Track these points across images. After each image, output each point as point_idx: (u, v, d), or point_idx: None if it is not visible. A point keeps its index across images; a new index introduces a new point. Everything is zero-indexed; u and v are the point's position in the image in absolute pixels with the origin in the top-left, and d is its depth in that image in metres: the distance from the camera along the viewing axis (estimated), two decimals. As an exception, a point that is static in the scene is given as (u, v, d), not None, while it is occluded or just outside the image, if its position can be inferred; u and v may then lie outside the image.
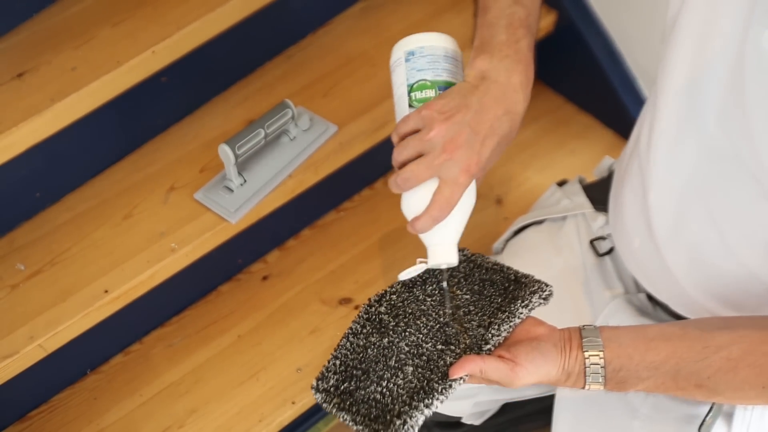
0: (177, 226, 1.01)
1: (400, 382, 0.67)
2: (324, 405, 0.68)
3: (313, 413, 1.17)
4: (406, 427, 0.64)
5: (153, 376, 1.10)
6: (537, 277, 0.73)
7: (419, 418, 0.64)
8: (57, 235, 1.01)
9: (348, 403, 0.67)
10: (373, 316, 0.72)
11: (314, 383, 0.69)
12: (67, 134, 0.96)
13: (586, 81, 1.32)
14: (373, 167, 1.27)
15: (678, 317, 0.82)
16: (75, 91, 0.92)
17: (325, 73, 1.16)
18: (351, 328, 0.72)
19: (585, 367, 0.65)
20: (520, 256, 0.91)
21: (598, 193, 0.90)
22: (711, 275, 0.72)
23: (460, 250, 0.76)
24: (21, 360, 0.91)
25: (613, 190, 0.85)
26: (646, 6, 1.19)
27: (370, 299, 0.74)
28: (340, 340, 0.71)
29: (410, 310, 0.72)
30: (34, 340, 0.91)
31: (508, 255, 0.94)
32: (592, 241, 0.88)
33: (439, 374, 0.66)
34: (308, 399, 1.07)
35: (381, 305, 0.73)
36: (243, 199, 1.01)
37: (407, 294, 0.74)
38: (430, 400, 0.65)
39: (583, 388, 0.66)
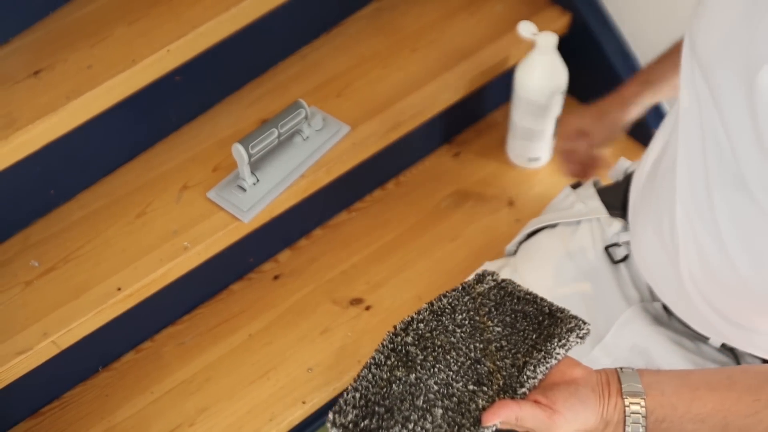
0: (190, 225, 1.01)
1: (429, 426, 0.61)
2: None
3: (324, 413, 1.17)
4: None
5: (164, 374, 1.10)
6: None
7: None
8: (71, 233, 1.02)
9: None
10: (399, 347, 0.67)
11: (331, 416, 0.64)
12: (82, 132, 0.97)
13: (600, 83, 1.31)
14: (385, 168, 1.27)
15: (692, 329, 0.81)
16: (90, 90, 0.93)
17: (338, 74, 1.16)
18: (374, 359, 0.67)
19: (625, 416, 0.60)
20: (533, 261, 0.90)
21: (613, 198, 0.89)
22: (726, 298, 0.71)
23: (490, 274, 0.73)
24: (34, 356, 0.92)
25: (632, 201, 0.84)
26: (660, 9, 1.19)
27: (395, 327, 0.69)
28: (361, 371, 0.67)
29: (439, 343, 0.67)
30: (47, 336, 0.92)
31: (521, 259, 0.93)
32: (607, 248, 0.87)
33: (471, 419, 0.62)
34: (318, 399, 1.07)
35: (408, 335, 0.68)
36: (256, 198, 1.01)
37: (436, 323, 0.69)
38: None
39: None
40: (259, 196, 1.01)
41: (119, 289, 0.96)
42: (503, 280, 0.72)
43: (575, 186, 0.98)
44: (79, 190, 1.06)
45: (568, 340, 0.64)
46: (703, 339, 0.80)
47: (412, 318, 0.69)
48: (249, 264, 1.20)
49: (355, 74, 1.16)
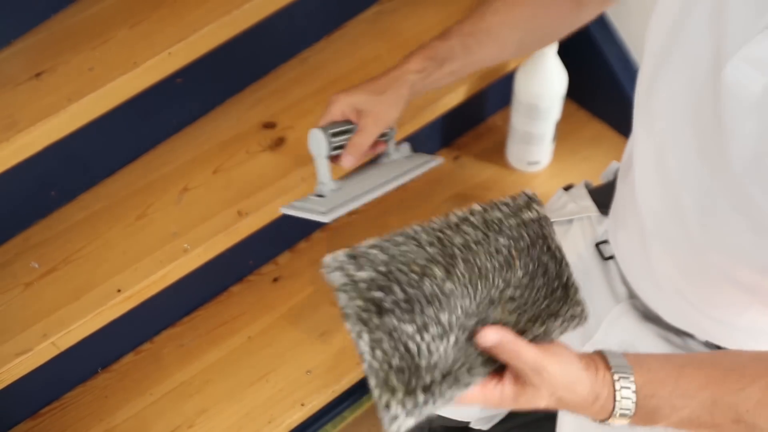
0: (190, 227, 1.01)
1: (441, 349, 0.54)
2: (340, 293, 0.53)
3: (322, 415, 1.17)
4: (426, 406, 0.52)
5: (164, 375, 1.10)
6: None
7: (440, 403, 0.54)
8: (71, 234, 1.02)
9: (373, 320, 0.52)
10: (447, 242, 0.57)
11: (342, 256, 0.53)
12: (83, 134, 0.97)
13: (600, 88, 1.32)
14: (385, 171, 1.28)
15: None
16: (92, 92, 0.93)
17: (339, 77, 1.17)
18: (415, 232, 0.56)
19: (614, 391, 0.58)
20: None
21: (604, 197, 0.90)
22: (701, 294, 0.72)
23: (536, 201, 0.65)
24: (34, 357, 0.92)
25: (614, 199, 0.85)
26: (661, 13, 1.19)
27: (448, 214, 0.59)
28: (394, 235, 0.56)
29: (479, 264, 0.59)
30: (47, 337, 0.92)
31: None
32: (597, 245, 0.88)
33: (475, 362, 0.56)
34: (317, 401, 1.07)
35: (457, 234, 0.58)
36: (337, 200, 0.84)
37: (483, 235, 0.60)
38: (458, 390, 0.54)
39: (609, 417, 0.59)
40: (341, 198, 0.84)
41: (119, 290, 0.96)
42: (544, 217, 0.65)
43: (567, 188, 0.99)
44: (80, 191, 1.07)
45: (567, 327, 0.62)
46: (690, 334, 0.81)
47: (466, 217, 0.60)
48: (249, 266, 1.20)
49: (355, 77, 1.16)
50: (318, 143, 0.79)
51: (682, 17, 0.61)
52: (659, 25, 0.66)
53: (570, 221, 0.92)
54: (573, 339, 0.84)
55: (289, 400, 1.07)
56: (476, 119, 1.35)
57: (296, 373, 1.09)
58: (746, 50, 0.55)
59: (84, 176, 1.07)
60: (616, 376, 0.58)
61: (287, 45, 1.19)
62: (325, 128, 0.80)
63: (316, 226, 1.24)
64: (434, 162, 0.93)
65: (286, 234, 1.21)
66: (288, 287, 1.18)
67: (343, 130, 0.81)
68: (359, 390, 1.18)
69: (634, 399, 0.58)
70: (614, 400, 0.58)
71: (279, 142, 1.10)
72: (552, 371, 0.57)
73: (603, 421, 0.60)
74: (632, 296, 0.85)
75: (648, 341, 0.81)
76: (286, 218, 1.08)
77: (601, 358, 0.60)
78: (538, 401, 0.60)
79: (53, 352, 0.94)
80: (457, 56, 0.85)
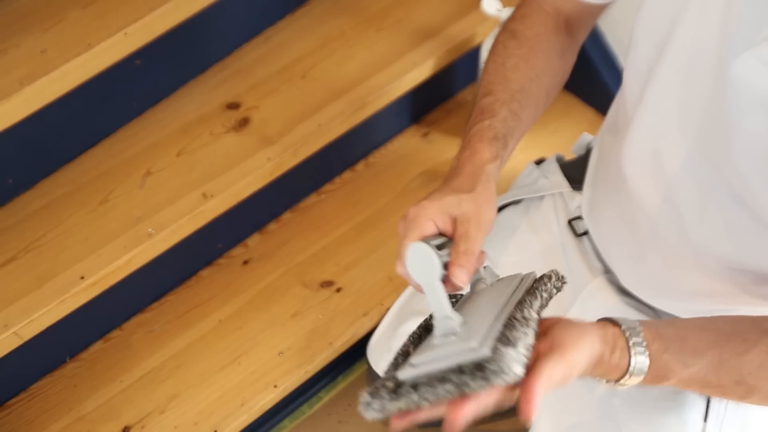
0: (154, 211, 1.00)
1: None
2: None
3: (298, 396, 1.17)
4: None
5: (134, 362, 1.09)
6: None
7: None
8: (31, 222, 1.00)
9: None
10: None
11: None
12: (39, 119, 0.95)
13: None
14: (354, 149, 1.26)
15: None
16: (45, 75, 0.91)
17: (304, 55, 1.15)
18: None
19: (628, 345, 0.56)
20: (498, 237, 0.90)
21: (576, 172, 0.89)
22: (686, 282, 0.72)
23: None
24: (-4, 348, 0.91)
25: (589, 175, 0.85)
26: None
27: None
28: None
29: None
30: (9, 327, 0.90)
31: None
32: (570, 221, 0.87)
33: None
34: (290, 382, 1.07)
35: None
36: (480, 329, 0.55)
37: None
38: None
39: (625, 372, 0.57)
40: (483, 326, 0.55)
41: (82, 277, 0.94)
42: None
43: (539, 162, 0.98)
44: (39, 178, 1.04)
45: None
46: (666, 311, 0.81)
47: None
48: (218, 249, 1.19)
49: (320, 55, 1.15)
50: (428, 262, 0.55)
51: (682, 9, 0.60)
52: (658, 15, 0.64)
53: (541, 197, 0.91)
54: (548, 315, 0.83)
55: (262, 382, 1.06)
56: (445, 95, 1.34)
57: (268, 355, 1.08)
58: (759, 49, 0.54)
59: (43, 162, 1.04)
60: (627, 333, 0.57)
61: (249, 23, 1.16)
62: (427, 240, 0.58)
63: (286, 206, 1.22)
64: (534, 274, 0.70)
65: (255, 216, 1.20)
66: (258, 269, 1.17)
67: (442, 243, 0.61)
68: (334, 370, 1.18)
69: (647, 353, 0.56)
70: (629, 356, 0.56)
71: (243, 123, 1.09)
72: (576, 360, 0.54)
73: (617, 380, 0.58)
74: (608, 271, 0.85)
75: (623, 315, 0.81)
76: (255, 199, 1.07)
77: (610, 321, 0.59)
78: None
79: (16, 342, 0.92)
80: (513, 129, 0.72)
